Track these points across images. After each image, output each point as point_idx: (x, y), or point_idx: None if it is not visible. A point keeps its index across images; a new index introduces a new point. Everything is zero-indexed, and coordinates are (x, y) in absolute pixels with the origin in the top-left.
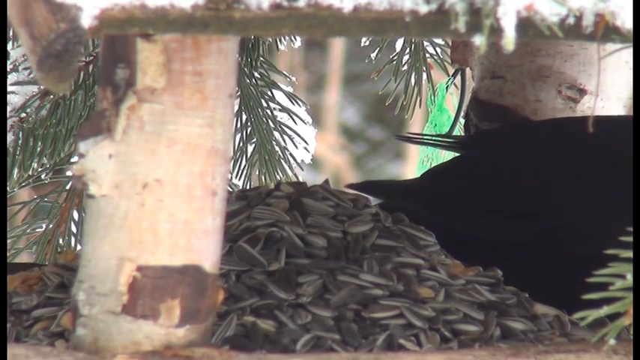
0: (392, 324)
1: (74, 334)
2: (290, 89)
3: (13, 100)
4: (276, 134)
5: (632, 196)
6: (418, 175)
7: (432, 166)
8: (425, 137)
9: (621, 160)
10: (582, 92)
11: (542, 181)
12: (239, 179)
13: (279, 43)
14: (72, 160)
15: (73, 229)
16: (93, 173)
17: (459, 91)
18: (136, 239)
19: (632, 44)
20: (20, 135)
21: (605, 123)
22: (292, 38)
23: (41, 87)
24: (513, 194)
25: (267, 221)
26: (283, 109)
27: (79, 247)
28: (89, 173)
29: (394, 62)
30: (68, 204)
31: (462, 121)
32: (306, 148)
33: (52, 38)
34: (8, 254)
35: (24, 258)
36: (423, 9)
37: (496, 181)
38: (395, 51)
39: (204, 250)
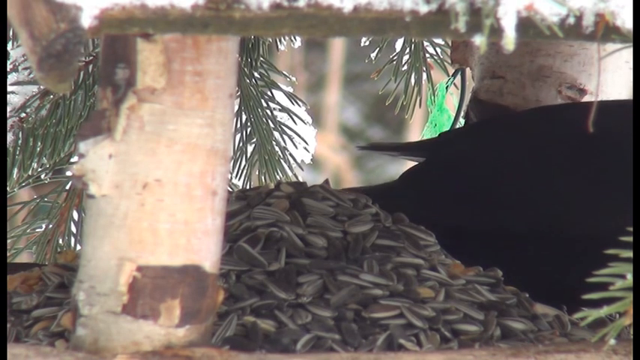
0: (392, 324)
1: (74, 334)
2: (290, 89)
3: (13, 100)
4: (276, 134)
5: (626, 182)
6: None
7: (409, 167)
8: (391, 145)
9: (612, 145)
10: (582, 92)
11: (529, 173)
12: (239, 179)
13: (279, 43)
14: (72, 160)
15: (73, 229)
16: (93, 173)
17: (459, 91)
18: (136, 239)
19: (632, 44)
20: (20, 135)
21: (597, 110)
22: (292, 38)
23: (41, 87)
24: (499, 188)
25: (267, 221)
26: (283, 109)
27: (79, 247)
28: (89, 173)
29: (394, 62)
30: (68, 204)
31: (462, 121)
32: (306, 148)
33: (52, 38)
34: (8, 254)
35: (24, 258)
36: (423, 9)
37: (481, 176)
38: (395, 51)
39: (204, 250)
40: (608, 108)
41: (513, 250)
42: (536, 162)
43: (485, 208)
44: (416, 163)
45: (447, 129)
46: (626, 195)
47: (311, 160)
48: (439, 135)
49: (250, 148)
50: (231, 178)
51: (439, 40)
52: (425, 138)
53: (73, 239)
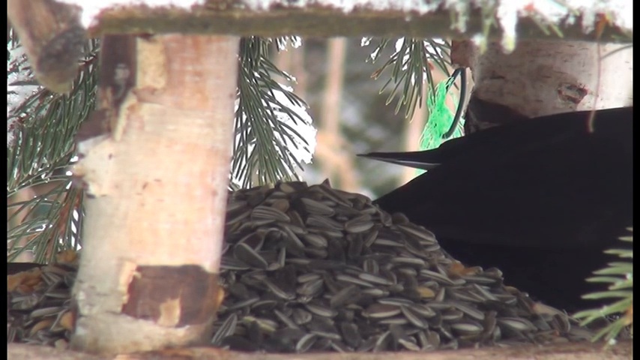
0: (392, 324)
1: (74, 334)
2: (290, 89)
3: (13, 100)
4: (276, 134)
5: (629, 191)
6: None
7: (415, 177)
8: (390, 154)
9: (615, 154)
10: (582, 92)
11: (541, 183)
12: (239, 179)
13: (279, 43)
14: (72, 160)
15: (73, 229)
16: (93, 173)
17: (459, 91)
18: (136, 239)
19: (632, 44)
20: (20, 135)
21: (600, 118)
22: (292, 38)
23: (41, 87)
24: (511, 199)
25: (267, 221)
26: (283, 109)
27: (79, 247)
28: (89, 173)
29: (394, 62)
30: (68, 204)
31: (462, 121)
32: (306, 148)
33: (52, 38)
34: (8, 254)
35: (24, 258)
36: (423, 9)
37: (482, 190)
38: (395, 51)
39: (204, 250)
40: (608, 116)
41: (515, 264)
42: (537, 174)
43: (488, 222)
44: (414, 168)
45: (448, 138)
46: (628, 204)
47: (311, 160)
48: (440, 146)
49: (250, 148)
50: (231, 178)
51: (439, 40)
52: (424, 138)
53: (73, 239)
